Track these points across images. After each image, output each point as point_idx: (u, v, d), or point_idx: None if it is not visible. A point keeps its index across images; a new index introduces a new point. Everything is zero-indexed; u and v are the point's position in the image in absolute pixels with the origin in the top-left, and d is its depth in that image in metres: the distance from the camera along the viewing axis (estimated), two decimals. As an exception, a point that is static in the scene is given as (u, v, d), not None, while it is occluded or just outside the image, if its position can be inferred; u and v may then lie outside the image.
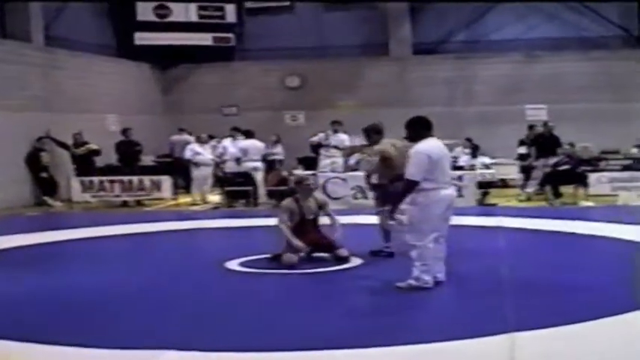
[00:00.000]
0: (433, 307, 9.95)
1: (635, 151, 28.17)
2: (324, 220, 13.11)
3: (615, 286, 10.60)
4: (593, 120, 30.13)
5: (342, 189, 21.88)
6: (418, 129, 10.80)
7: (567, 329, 8.34)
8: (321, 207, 13.01)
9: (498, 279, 11.12)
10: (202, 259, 13.67)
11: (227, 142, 25.18)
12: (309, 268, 12.13)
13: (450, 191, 10.71)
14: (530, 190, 23.79)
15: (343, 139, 24.05)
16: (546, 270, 12.00)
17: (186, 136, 27.75)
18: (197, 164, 24.94)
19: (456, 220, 16.52)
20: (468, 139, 28.11)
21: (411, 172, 10.42)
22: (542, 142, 23.87)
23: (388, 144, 13.05)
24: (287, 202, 12.81)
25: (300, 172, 23.22)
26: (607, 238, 14.99)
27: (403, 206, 10.68)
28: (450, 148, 25.51)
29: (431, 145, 10.65)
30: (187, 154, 25.15)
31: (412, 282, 10.53)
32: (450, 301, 10.27)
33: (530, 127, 25.79)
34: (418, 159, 10.41)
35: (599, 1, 32.02)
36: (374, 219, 13.54)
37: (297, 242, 12.29)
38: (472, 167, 24.82)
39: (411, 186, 10.41)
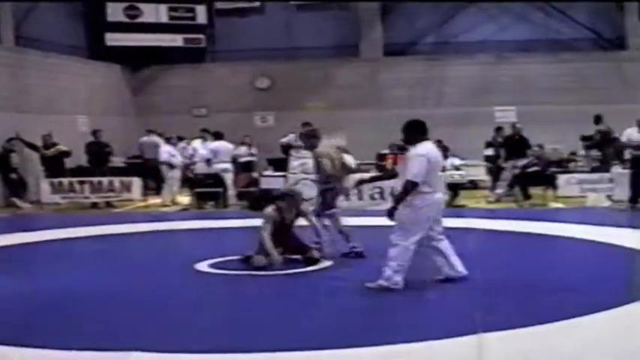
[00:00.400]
0: (401, 308, 9.93)
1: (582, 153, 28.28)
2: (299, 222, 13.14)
3: (583, 287, 10.66)
4: (563, 121, 30.18)
5: (313, 190, 21.35)
6: (415, 132, 10.88)
7: (535, 329, 8.38)
8: (302, 215, 13.05)
9: (467, 280, 11.09)
10: (172, 261, 13.58)
11: (197, 144, 25.08)
12: (279, 270, 12.09)
13: (441, 194, 10.93)
14: (499, 191, 23.83)
15: None
16: (515, 271, 12.06)
17: (155, 138, 27.42)
18: (172, 166, 24.81)
19: None
20: (438, 141, 27.12)
21: (414, 173, 10.50)
22: (511, 143, 23.89)
23: (328, 147, 13.38)
24: (270, 212, 12.68)
25: (270, 172, 23.82)
26: (575, 240, 15.03)
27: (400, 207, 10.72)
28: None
29: (428, 148, 10.78)
30: (163, 156, 25.02)
31: (382, 282, 10.59)
32: (418, 302, 10.24)
33: (498, 129, 25.78)
34: (419, 162, 10.52)
35: (566, 1, 32.22)
36: (346, 220, 13.65)
37: (276, 256, 12.24)
38: (442, 169, 24.20)
39: (412, 188, 10.49)
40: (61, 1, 31.45)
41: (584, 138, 26.80)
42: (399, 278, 10.61)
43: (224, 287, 11.48)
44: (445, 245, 11.12)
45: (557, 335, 8.27)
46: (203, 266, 12.68)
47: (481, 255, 13.44)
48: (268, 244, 12.15)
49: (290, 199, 12.81)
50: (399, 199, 10.60)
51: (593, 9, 33.23)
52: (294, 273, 12.04)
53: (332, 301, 10.30)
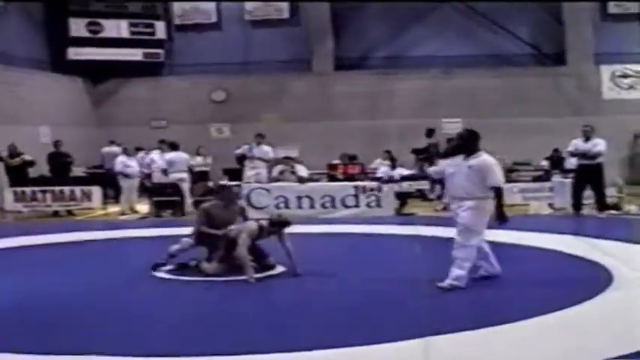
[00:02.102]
0: (349, 311, 9.92)
1: (545, 163, 28.82)
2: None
3: (526, 291, 10.82)
4: (506, 133, 30.53)
5: (266, 199, 22.07)
6: (474, 142, 11.39)
7: (481, 333, 8.50)
8: (242, 213, 13.15)
9: (415, 285, 11.23)
10: (131, 268, 13.22)
11: (155, 154, 25.12)
12: (235, 276, 11.89)
13: None
14: (435, 194, 24.41)
15: (267, 150, 24.28)
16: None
17: (115, 148, 27.56)
18: (127, 176, 25.02)
19: (376, 229, 17.69)
20: (387, 152, 28.38)
21: (499, 179, 11.12)
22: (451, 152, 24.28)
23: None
24: (253, 226, 12.45)
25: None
26: (518, 246, 15.11)
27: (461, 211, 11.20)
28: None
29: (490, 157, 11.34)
30: (117, 167, 25.16)
31: (454, 282, 10.99)
32: (366, 306, 10.21)
33: (448, 140, 26.02)
34: (499, 169, 11.16)
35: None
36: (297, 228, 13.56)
37: (251, 273, 11.85)
38: (391, 178, 25.01)
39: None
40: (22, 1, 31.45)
41: (415, 151, 26.87)
42: (466, 278, 11.08)
43: (182, 293, 11.33)
44: (486, 246, 11.58)
45: (503, 338, 8.40)
46: (162, 273, 12.52)
47: (428, 260, 13.56)
48: (246, 258, 11.92)
49: (226, 192, 13.19)
50: (501, 204, 11.11)
51: (534, 25, 33.97)
52: (239, 280, 11.83)
53: (282, 305, 10.32)
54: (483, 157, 11.23)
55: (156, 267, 12.52)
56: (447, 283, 10.85)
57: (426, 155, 23.61)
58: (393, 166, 25.88)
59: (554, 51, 33.71)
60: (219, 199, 13.06)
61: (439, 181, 20.15)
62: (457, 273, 10.89)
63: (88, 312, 9.90)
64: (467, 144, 11.36)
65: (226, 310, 10.14)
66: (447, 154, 11.91)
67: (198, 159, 27.00)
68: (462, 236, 11.02)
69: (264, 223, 12.07)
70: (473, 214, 11.05)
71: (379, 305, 10.09)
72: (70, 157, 25.93)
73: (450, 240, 11.06)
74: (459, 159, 11.45)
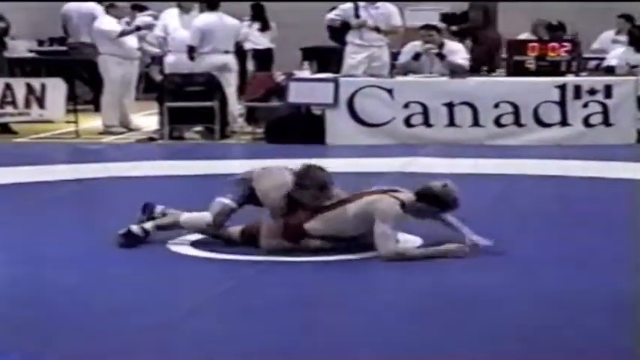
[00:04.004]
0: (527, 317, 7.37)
1: None
2: None
3: None
4: None
5: (386, 108, 16.80)
6: None
7: None
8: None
9: None
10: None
11: (170, 18, 17.40)
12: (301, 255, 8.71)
13: None
14: None
15: (390, 13, 17.27)
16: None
17: (91, 4, 20.04)
18: (116, 57, 17.75)
19: (599, 170, 15.10)
20: (628, 18, 20.78)
21: None
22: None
23: None
24: None
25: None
26: None
27: None
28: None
29: None
30: (97, 39, 18.00)
31: None
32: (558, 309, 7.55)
33: None
34: None
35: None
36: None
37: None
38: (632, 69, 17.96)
39: None
40: None
41: None
42: None
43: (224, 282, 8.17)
44: None
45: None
46: (181, 246, 9.12)
47: None
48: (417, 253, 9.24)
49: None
50: None
51: None
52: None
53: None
54: None
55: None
56: None
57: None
58: (639, 47, 17.60)
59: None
60: (301, 185, 8.96)
61: None
62: None
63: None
64: None
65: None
66: None
67: (255, 30, 20.67)
68: None
69: (409, 196, 8.68)
70: None
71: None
72: (4, 20, 18.93)
73: None
74: None
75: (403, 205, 8.44)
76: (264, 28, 20.92)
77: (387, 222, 8.32)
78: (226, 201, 8.90)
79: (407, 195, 8.51)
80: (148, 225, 8.86)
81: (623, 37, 18.43)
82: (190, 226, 9.05)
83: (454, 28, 19.45)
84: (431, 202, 8.52)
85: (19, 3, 22.46)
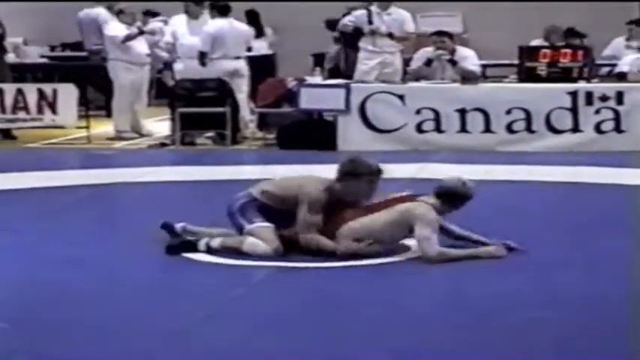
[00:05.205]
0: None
1: None
2: None
3: None
4: None
5: (398, 114, 16.95)
6: None
7: None
8: None
9: None
10: (142, 243, 9.46)
11: (178, 24, 17.45)
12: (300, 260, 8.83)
13: None
14: None
15: (403, 19, 17.34)
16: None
17: (101, 10, 19.90)
18: (126, 63, 17.73)
19: (612, 177, 15.19)
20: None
21: None
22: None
23: None
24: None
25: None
26: None
27: None
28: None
29: None
30: (107, 45, 17.86)
31: None
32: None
33: None
34: None
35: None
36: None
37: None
38: None
39: None
40: None
41: None
42: None
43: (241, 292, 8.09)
44: None
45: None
46: (196, 254, 9.06)
47: None
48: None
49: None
50: None
51: None
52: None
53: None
54: None
55: (176, 248, 9.03)
56: None
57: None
58: (651, 53, 18.49)
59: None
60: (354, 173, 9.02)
61: None
62: None
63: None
64: None
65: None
66: None
67: (269, 34, 21.20)
68: None
69: (432, 200, 8.91)
70: None
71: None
72: (1, 26, 18.80)
73: None
74: None
75: (435, 209, 8.61)
76: (259, 34, 20.65)
77: (428, 226, 8.44)
78: (267, 224, 8.81)
79: (430, 199, 8.67)
80: (216, 243, 8.78)
81: (635, 43, 18.29)
82: (253, 254, 8.93)
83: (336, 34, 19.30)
84: (452, 199, 8.74)
85: (31, 8, 22.44)
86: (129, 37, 17.02)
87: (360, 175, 8.63)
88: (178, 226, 9.12)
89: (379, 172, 8.77)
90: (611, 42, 19.86)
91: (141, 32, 17.06)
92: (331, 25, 18.85)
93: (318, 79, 16.05)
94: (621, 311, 6.98)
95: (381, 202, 8.79)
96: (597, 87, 15.12)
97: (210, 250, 8.76)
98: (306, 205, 8.47)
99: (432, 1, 22.23)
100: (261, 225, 8.61)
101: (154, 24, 18.45)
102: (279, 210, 8.64)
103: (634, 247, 9.00)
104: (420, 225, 8.41)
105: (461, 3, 22.97)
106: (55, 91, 17.06)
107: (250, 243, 8.57)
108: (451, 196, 8.81)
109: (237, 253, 8.70)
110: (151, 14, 19.62)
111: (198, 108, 16.39)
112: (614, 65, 17.63)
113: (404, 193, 8.98)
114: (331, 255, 8.66)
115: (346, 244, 8.67)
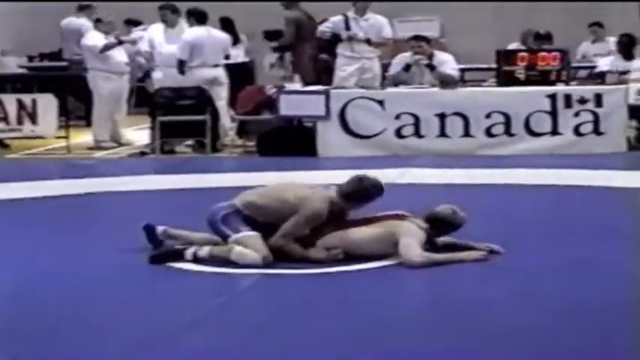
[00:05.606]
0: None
1: None
2: None
3: None
4: None
5: (378, 119, 16.82)
6: None
7: None
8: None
9: None
10: (124, 252, 9.38)
11: (156, 32, 17.43)
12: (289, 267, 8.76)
13: None
14: None
15: (381, 25, 17.26)
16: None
17: (82, 20, 19.58)
18: (106, 72, 17.58)
19: (591, 179, 15.07)
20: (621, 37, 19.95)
21: None
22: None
23: None
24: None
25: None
26: None
27: None
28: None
29: None
30: (86, 54, 17.74)
31: None
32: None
33: None
34: None
35: None
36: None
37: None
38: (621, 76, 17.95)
39: None
40: None
41: None
42: None
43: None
44: None
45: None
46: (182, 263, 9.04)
47: None
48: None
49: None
50: None
51: None
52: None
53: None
54: None
55: (160, 258, 8.94)
56: None
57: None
58: (628, 55, 17.57)
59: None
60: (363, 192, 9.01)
61: None
62: None
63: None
64: None
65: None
66: None
67: (244, 42, 20.74)
68: None
69: (420, 222, 8.92)
70: None
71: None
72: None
73: None
74: None
75: (423, 230, 8.66)
76: (235, 41, 20.25)
77: (411, 236, 8.48)
78: (252, 232, 8.72)
79: (421, 222, 8.70)
80: (204, 252, 8.71)
81: (599, 46, 18.92)
82: (242, 262, 8.84)
83: (274, 44, 19.43)
84: (441, 226, 8.76)
85: (6, 18, 22.38)
86: (107, 47, 16.91)
87: (370, 196, 8.67)
88: (160, 228, 9.07)
89: (382, 190, 8.82)
90: (579, 46, 20.05)
91: (120, 42, 17.00)
92: (270, 35, 19.26)
93: (297, 86, 15.94)
94: (605, 315, 6.99)
95: (372, 218, 8.82)
96: (576, 89, 15.18)
97: (197, 260, 8.70)
98: (304, 217, 8.39)
99: (410, 1, 22.16)
100: (249, 234, 8.56)
101: (136, 33, 18.26)
102: (261, 222, 8.61)
103: (617, 248, 9.03)
104: (403, 236, 8.44)
105: (439, 4, 22.84)
106: (34, 102, 17.09)
107: (238, 252, 8.54)
108: (441, 223, 8.85)
109: (225, 262, 8.67)
110: (133, 23, 19.47)
111: (177, 116, 16.30)
112: (593, 67, 17.87)
113: (398, 212, 9.00)
114: (302, 261, 8.66)
115: (316, 252, 8.68)
